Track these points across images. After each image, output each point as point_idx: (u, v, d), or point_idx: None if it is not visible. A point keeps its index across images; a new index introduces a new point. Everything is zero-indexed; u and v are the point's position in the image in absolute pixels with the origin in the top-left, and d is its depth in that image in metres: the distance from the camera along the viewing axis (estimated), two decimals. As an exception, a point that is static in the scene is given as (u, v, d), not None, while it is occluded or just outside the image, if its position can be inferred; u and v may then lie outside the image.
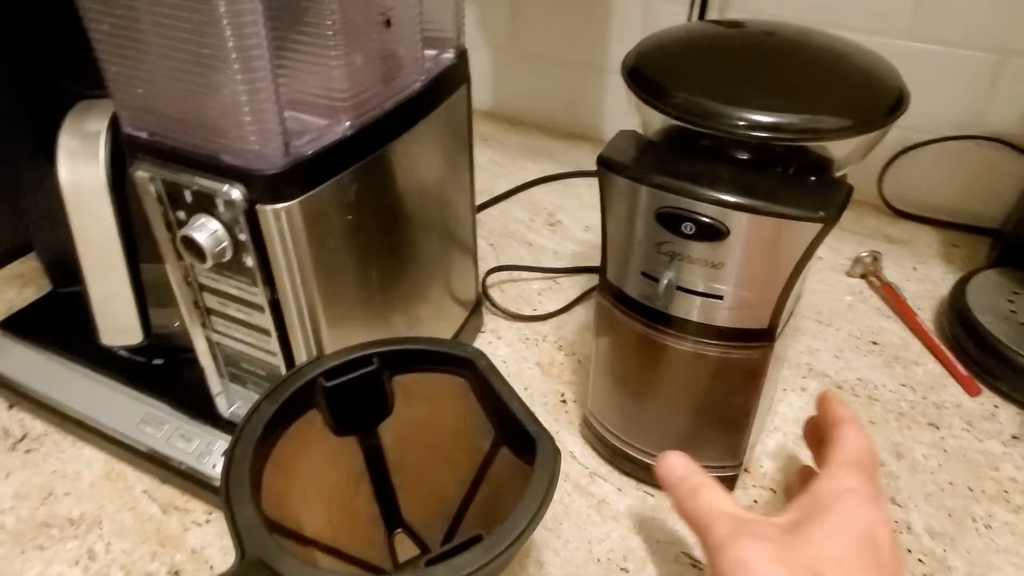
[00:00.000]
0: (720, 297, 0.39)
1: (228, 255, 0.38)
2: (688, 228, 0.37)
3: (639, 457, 0.47)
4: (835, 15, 0.68)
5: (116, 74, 0.35)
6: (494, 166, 0.83)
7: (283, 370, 0.42)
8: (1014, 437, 0.52)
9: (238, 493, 0.32)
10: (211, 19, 0.30)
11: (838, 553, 0.31)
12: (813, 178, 0.37)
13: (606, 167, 0.40)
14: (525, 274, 0.66)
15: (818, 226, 0.35)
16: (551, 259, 0.69)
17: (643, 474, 0.48)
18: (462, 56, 0.46)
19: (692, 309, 0.40)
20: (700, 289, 0.39)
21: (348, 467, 0.40)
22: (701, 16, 0.64)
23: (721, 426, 0.45)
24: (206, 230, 0.37)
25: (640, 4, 0.77)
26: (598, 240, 0.71)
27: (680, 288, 0.39)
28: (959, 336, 0.57)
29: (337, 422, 0.39)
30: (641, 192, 0.38)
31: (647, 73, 0.41)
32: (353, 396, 0.39)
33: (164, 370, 0.53)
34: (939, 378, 0.57)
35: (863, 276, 0.67)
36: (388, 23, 0.38)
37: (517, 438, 0.36)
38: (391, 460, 0.41)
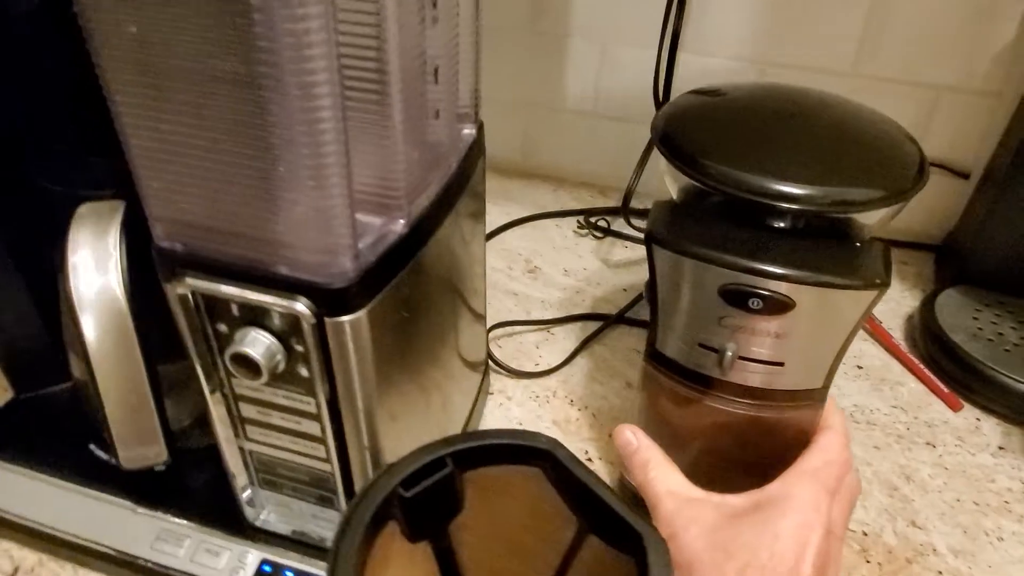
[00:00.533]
0: (781, 364, 0.40)
1: (281, 368, 0.36)
2: (755, 303, 0.38)
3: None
4: (785, 55, 0.72)
5: (157, 189, 0.32)
6: (458, 212, 0.82)
7: (336, 476, 0.40)
8: (1000, 448, 0.56)
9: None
10: (290, 137, 0.28)
11: (762, 552, 0.34)
12: (858, 244, 0.39)
13: (660, 244, 0.40)
14: (519, 328, 0.66)
15: (876, 292, 0.37)
16: (539, 308, 0.69)
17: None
18: (480, 128, 0.46)
19: (751, 376, 0.41)
20: (762, 358, 0.40)
21: (423, 573, 0.38)
22: (671, 60, 0.65)
23: (771, 478, 0.46)
24: (260, 345, 0.34)
25: (598, 46, 0.78)
26: (580, 284, 0.72)
27: (741, 357, 0.40)
28: (936, 356, 0.61)
29: (412, 528, 0.38)
30: (703, 269, 0.38)
31: (681, 141, 0.42)
32: (426, 499, 0.37)
33: (170, 475, 0.49)
34: (923, 396, 0.61)
35: (833, 300, 0.70)
36: (437, 114, 0.36)
37: (610, 528, 0.36)
38: (464, 559, 0.40)
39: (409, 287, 0.38)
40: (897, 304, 0.70)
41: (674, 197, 0.45)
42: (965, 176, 0.72)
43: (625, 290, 0.71)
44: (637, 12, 0.74)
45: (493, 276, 0.73)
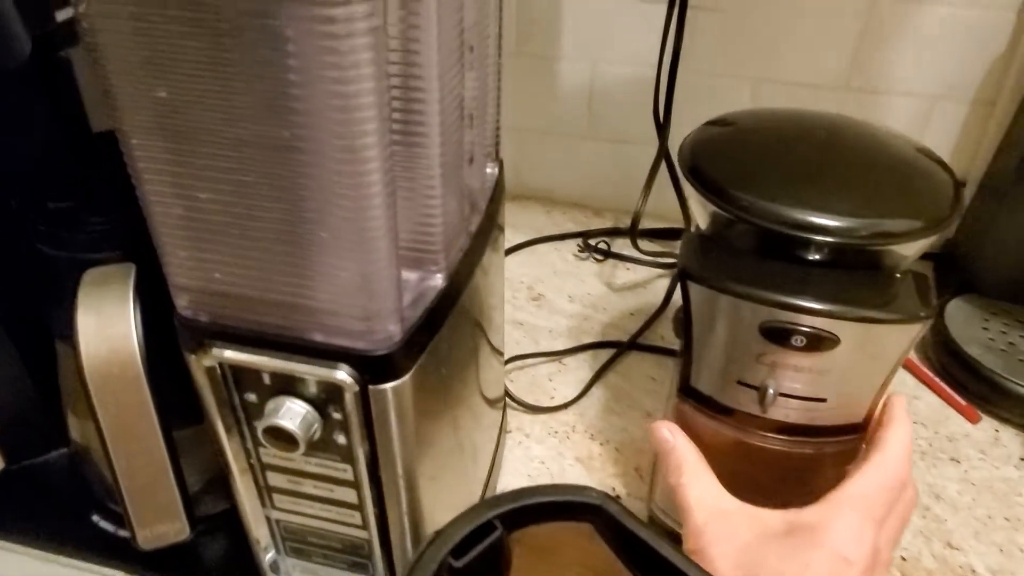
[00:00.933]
0: (823, 400, 0.39)
1: (317, 436, 0.33)
2: (798, 341, 0.37)
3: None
4: (779, 70, 0.72)
5: (184, 259, 0.29)
6: (453, 240, 0.80)
7: (374, 542, 0.38)
8: (1022, 459, 0.56)
9: None
10: (335, 201, 0.26)
11: None
12: (897, 275, 0.38)
13: (695, 280, 0.39)
14: (531, 360, 0.64)
15: (920, 325, 0.36)
16: (547, 338, 0.67)
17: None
18: (501, 166, 0.44)
19: (791, 412, 0.39)
20: (803, 394, 0.39)
21: (474, 644, 0.36)
22: (671, 79, 0.65)
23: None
24: (295, 416, 0.32)
25: (588, 67, 0.77)
26: (586, 311, 0.71)
27: (781, 394, 0.39)
28: (951, 369, 0.61)
29: (458, 598, 0.36)
30: (742, 306, 0.37)
31: (711, 172, 0.41)
32: (472, 567, 0.35)
33: (181, 544, 0.46)
34: (940, 410, 0.60)
35: (840, 314, 0.70)
36: (471, 160, 0.35)
37: (666, 581, 0.34)
38: (514, 624, 0.38)
39: (447, 342, 0.36)
40: (902, 315, 0.70)
41: (701, 226, 0.44)
42: (962, 184, 0.72)
43: (632, 314, 0.70)
44: (626, 33, 0.74)
45: (497, 306, 0.71)
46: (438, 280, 0.34)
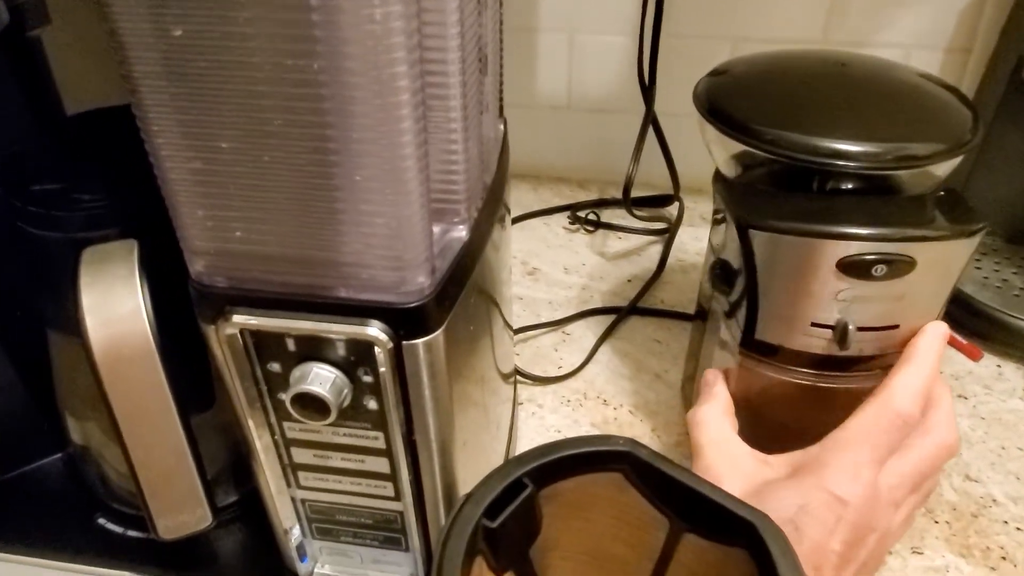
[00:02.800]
0: (897, 326, 0.39)
1: (347, 403, 0.32)
2: (879, 271, 0.36)
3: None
4: (757, 29, 0.72)
5: (201, 218, 0.28)
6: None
7: (409, 513, 0.37)
8: (1026, 390, 0.57)
9: None
10: (370, 139, 0.25)
11: (787, 524, 0.33)
12: (943, 193, 0.39)
13: (759, 228, 0.38)
14: (534, 332, 0.63)
15: (980, 236, 0.37)
16: (548, 310, 0.66)
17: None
18: (505, 124, 0.43)
19: (866, 345, 0.39)
20: (879, 324, 0.38)
21: (516, 606, 0.35)
22: (655, 43, 0.64)
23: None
24: (325, 381, 0.31)
25: (566, 37, 0.76)
26: (584, 281, 0.70)
27: (860, 328, 0.38)
28: (948, 308, 0.62)
29: (497, 560, 0.34)
30: (817, 246, 0.37)
31: (732, 111, 0.40)
32: (506, 526, 0.34)
33: (195, 539, 0.44)
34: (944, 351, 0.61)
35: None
36: (487, 108, 0.34)
37: (712, 522, 0.34)
38: (556, 583, 0.37)
39: (470, 302, 0.35)
40: (893, 264, 0.71)
41: (724, 172, 0.43)
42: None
43: (629, 281, 0.69)
44: (602, 1, 0.73)
45: (492, 282, 0.70)
46: (462, 232, 0.33)
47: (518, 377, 0.58)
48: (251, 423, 0.34)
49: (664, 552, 0.36)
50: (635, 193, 0.75)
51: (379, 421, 0.33)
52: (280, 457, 0.36)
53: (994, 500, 0.49)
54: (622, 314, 0.64)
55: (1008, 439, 0.53)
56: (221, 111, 0.25)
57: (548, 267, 0.72)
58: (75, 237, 0.36)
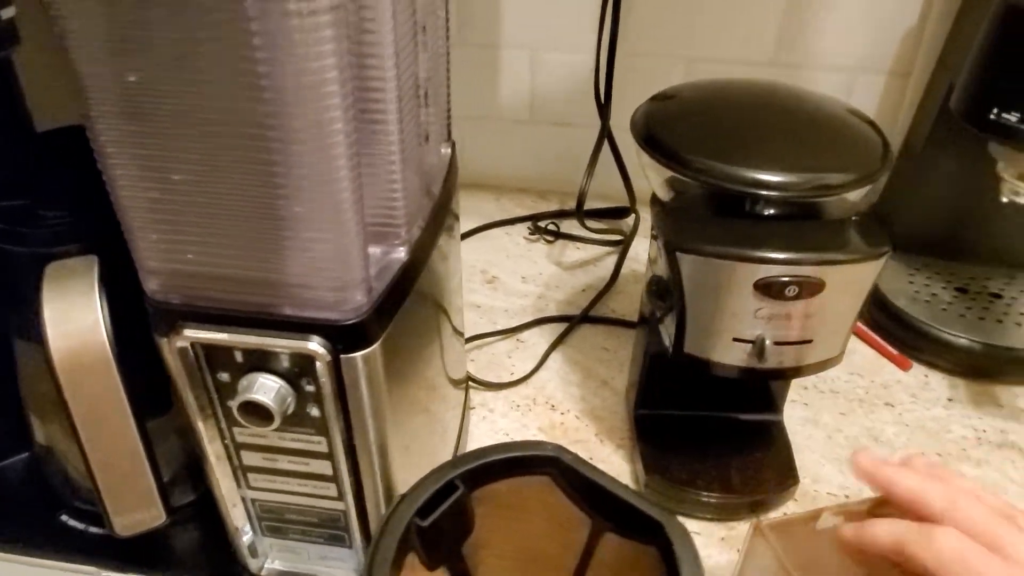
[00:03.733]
0: (811, 341, 0.42)
1: (291, 411, 0.35)
2: (791, 291, 0.39)
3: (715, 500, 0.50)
4: (710, 49, 0.75)
5: (155, 242, 0.30)
6: (404, 229, 0.81)
7: (350, 513, 0.39)
8: (949, 399, 0.61)
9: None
10: (306, 177, 0.27)
11: None
12: (854, 218, 0.42)
13: (687, 251, 0.41)
14: (489, 339, 0.66)
15: (887, 256, 0.40)
16: (504, 318, 0.69)
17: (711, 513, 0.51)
18: (453, 146, 0.45)
19: (784, 358, 0.42)
20: (794, 339, 0.42)
21: (449, 600, 0.38)
22: (610, 62, 0.67)
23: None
24: (269, 390, 0.33)
25: (527, 54, 0.79)
26: (540, 290, 0.73)
27: (776, 343, 0.42)
28: (882, 321, 0.66)
29: (429, 556, 0.37)
30: (738, 268, 0.40)
31: (665, 140, 0.43)
32: (439, 524, 0.37)
33: (153, 537, 0.46)
34: (875, 360, 0.65)
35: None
36: (427, 138, 0.36)
37: (628, 522, 0.37)
38: (486, 578, 0.40)
39: (412, 314, 0.37)
40: (836, 277, 0.74)
41: (659, 195, 0.46)
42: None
43: (584, 290, 0.72)
44: (564, 19, 0.76)
45: (452, 290, 0.72)
46: (401, 253, 0.35)
47: (470, 383, 0.61)
48: (202, 428, 0.36)
49: (587, 549, 0.39)
50: (594, 205, 0.78)
51: (321, 427, 0.35)
52: (231, 460, 0.38)
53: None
54: (573, 322, 0.67)
55: (928, 445, 0.57)
56: (172, 147, 0.27)
57: (507, 276, 0.75)
58: (39, 252, 0.38)
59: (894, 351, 0.65)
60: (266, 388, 0.33)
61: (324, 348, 0.32)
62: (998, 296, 0.65)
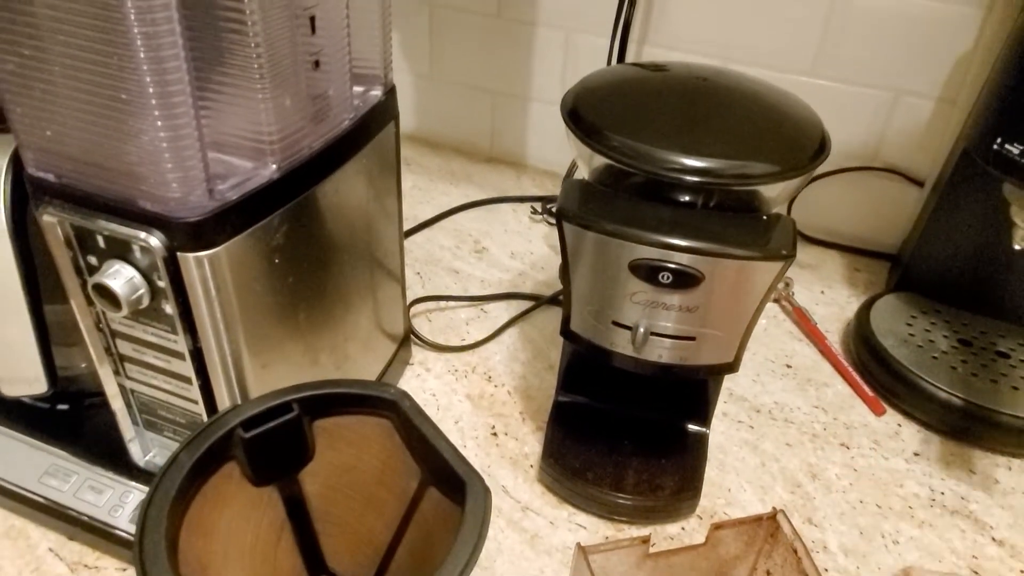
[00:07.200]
0: (693, 339, 0.39)
1: (145, 302, 0.36)
2: (665, 277, 0.37)
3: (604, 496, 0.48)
4: (745, 53, 0.72)
5: (21, 115, 0.33)
6: (416, 191, 0.83)
7: (205, 418, 0.41)
8: (915, 454, 0.55)
9: (154, 563, 0.30)
10: (130, 62, 0.29)
11: None
12: (765, 217, 0.39)
13: (569, 220, 0.39)
14: (453, 303, 0.66)
15: (783, 263, 0.37)
16: (478, 287, 0.69)
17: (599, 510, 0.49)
18: (390, 93, 0.46)
19: (665, 353, 0.40)
20: (673, 333, 0.39)
21: (268, 519, 0.39)
22: (622, 48, 0.65)
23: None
24: (121, 277, 0.35)
25: (562, 36, 0.78)
26: (524, 267, 0.72)
27: (653, 334, 0.40)
28: (864, 359, 0.61)
29: (256, 472, 0.38)
30: (613, 244, 0.38)
31: (588, 116, 0.42)
32: (272, 444, 0.38)
33: (69, 416, 0.50)
34: (848, 399, 0.60)
35: (776, 300, 0.70)
36: (317, 64, 0.37)
37: (445, 479, 0.36)
38: (314, 507, 0.40)
39: (285, 235, 0.38)
40: (841, 309, 0.69)
41: (586, 176, 0.45)
42: (920, 184, 0.71)
43: (567, 276, 0.71)
44: (598, 1, 0.74)
45: (438, 253, 0.73)
46: (270, 171, 0.36)
47: (414, 338, 0.61)
48: (77, 309, 0.39)
49: (413, 500, 0.39)
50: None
51: (174, 325, 0.37)
52: (108, 347, 0.40)
53: (825, 547, 0.48)
54: (540, 302, 0.66)
55: (870, 495, 0.52)
56: (21, 21, 0.29)
57: (497, 249, 0.74)
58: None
59: (870, 392, 0.59)
60: (118, 275, 0.35)
61: (162, 242, 0.33)
62: (1004, 355, 0.59)
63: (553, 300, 0.66)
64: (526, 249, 0.75)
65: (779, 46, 0.70)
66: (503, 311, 0.66)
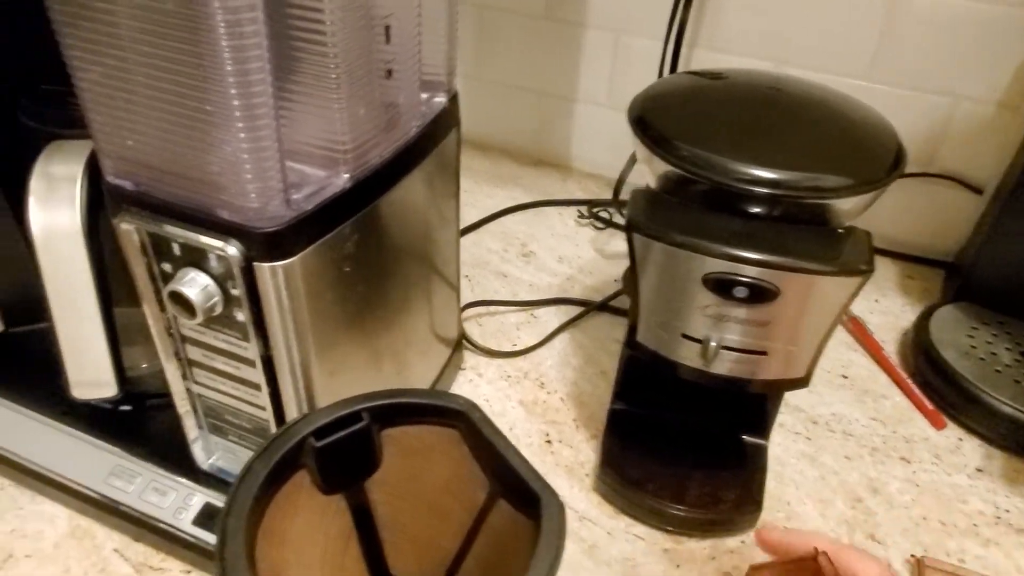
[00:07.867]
0: (765, 353, 0.39)
1: (219, 310, 0.36)
2: (740, 292, 0.37)
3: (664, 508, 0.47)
4: (800, 56, 0.70)
5: (103, 124, 0.33)
6: (463, 193, 0.82)
7: (272, 425, 0.41)
8: (978, 470, 0.54)
9: (236, 574, 0.30)
10: (215, 73, 0.29)
11: None
12: (840, 230, 0.38)
13: (640, 232, 0.39)
14: (501, 308, 0.66)
15: (861, 278, 0.36)
16: (527, 291, 0.69)
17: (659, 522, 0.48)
18: (454, 99, 0.46)
19: (735, 367, 0.40)
20: (744, 347, 0.39)
21: (337, 527, 0.39)
22: (675, 51, 0.65)
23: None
24: (196, 285, 0.35)
25: (611, 37, 0.77)
26: (572, 271, 0.72)
27: (724, 347, 0.39)
28: (924, 371, 0.59)
29: (325, 481, 0.38)
30: (687, 258, 0.38)
31: (657, 124, 0.41)
32: (341, 453, 0.38)
33: (133, 417, 0.51)
34: (906, 412, 0.59)
35: (829, 309, 0.68)
36: (390, 73, 0.37)
37: (515, 492, 0.36)
38: (380, 515, 0.40)
39: (355, 244, 0.38)
40: (896, 318, 0.68)
41: (651, 184, 0.44)
42: (979, 191, 0.69)
43: (616, 280, 0.70)
44: (649, 3, 0.73)
45: (486, 256, 0.73)
46: (343, 180, 0.36)
47: (465, 343, 0.61)
48: (150, 314, 0.39)
49: (482, 511, 0.39)
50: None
51: (245, 333, 0.37)
52: (177, 352, 0.41)
53: (889, 565, 0.47)
54: (590, 308, 0.65)
55: (934, 512, 0.51)
56: (104, 31, 0.29)
57: (544, 253, 0.74)
58: (54, 132, 0.42)
59: (930, 405, 0.58)
60: (193, 282, 0.35)
61: (239, 252, 0.34)
62: (1071, 369, 0.57)
63: (603, 306, 0.66)
64: (574, 253, 0.74)
65: (835, 49, 0.69)
66: (553, 316, 0.66)
